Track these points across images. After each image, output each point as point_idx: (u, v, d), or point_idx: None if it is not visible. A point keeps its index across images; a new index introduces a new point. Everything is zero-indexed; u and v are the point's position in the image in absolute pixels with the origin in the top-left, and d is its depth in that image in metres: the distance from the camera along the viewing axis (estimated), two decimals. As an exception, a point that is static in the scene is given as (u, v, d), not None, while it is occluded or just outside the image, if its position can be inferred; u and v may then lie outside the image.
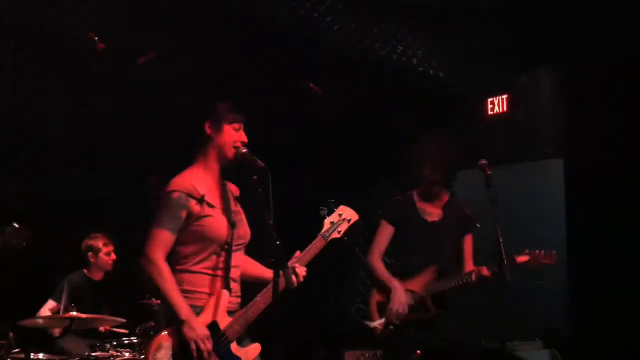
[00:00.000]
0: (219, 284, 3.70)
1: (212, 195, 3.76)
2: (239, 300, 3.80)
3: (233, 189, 3.96)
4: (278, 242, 3.54)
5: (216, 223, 3.70)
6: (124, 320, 5.55)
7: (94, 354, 5.39)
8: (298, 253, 3.86)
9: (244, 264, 3.88)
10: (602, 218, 6.12)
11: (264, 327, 3.86)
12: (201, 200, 3.67)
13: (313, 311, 7.29)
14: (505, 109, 7.13)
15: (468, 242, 5.08)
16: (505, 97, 7.13)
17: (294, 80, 7.23)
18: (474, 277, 4.78)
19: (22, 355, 5.23)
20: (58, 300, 5.93)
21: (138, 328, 5.79)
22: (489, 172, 4.53)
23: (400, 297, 4.85)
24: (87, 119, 6.51)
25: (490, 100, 7.19)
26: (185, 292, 3.62)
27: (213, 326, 3.61)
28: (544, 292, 6.21)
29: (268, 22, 6.54)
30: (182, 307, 3.54)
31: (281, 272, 3.56)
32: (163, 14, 6.19)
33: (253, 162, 3.77)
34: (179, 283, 3.62)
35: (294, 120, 7.47)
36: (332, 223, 3.90)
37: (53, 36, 6.05)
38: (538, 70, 6.94)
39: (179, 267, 3.68)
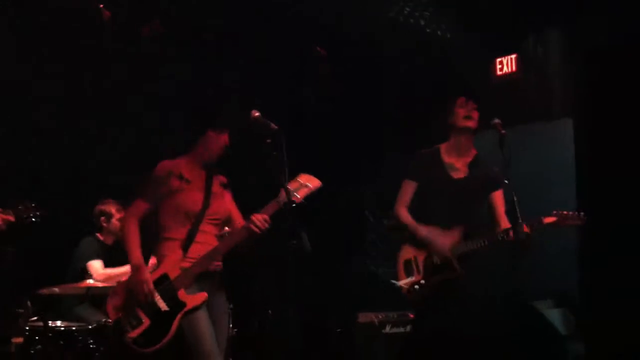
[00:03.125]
0: (179, 246, 4.21)
1: (192, 175, 4.30)
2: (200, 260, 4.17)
3: (220, 177, 4.46)
4: (294, 203, 3.59)
5: (188, 196, 4.24)
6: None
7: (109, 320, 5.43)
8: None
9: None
10: (612, 176, 6.10)
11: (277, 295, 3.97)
12: (180, 177, 4.24)
13: (326, 276, 7.32)
14: (514, 68, 7.09)
15: (498, 199, 4.89)
16: (514, 56, 7.08)
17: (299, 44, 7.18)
18: (511, 234, 4.54)
19: (40, 323, 5.29)
20: (96, 257, 6.01)
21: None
22: (503, 132, 4.51)
23: (438, 242, 4.77)
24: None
25: (499, 60, 7.14)
26: (160, 256, 4.24)
27: (163, 276, 4.15)
28: (554, 252, 6.20)
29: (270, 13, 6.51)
30: (135, 256, 4.18)
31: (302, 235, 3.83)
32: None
33: (265, 124, 3.95)
34: (159, 249, 4.25)
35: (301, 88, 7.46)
36: (287, 190, 4.04)
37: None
38: (547, 28, 6.88)
39: (160, 236, 4.28)
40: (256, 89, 6.72)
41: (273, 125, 3.92)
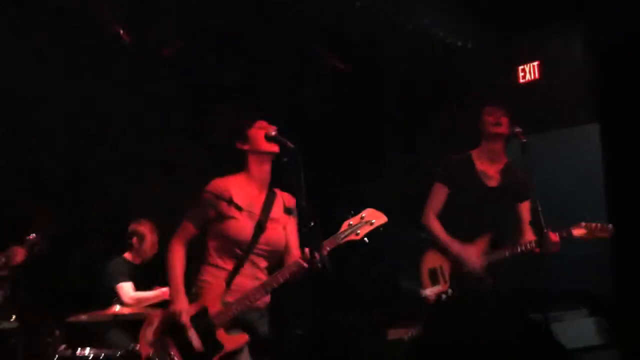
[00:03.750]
0: (223, 277, 3.93)
1: (245, 200, 3.98)
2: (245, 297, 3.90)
3: (286, 199, 4.11)
4: (312, 224, 3.55)
5: (238, 224, 3.93)
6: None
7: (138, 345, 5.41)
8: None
9: None
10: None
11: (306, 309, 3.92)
12: (229, 202, 3.93)
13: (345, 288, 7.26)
14: (536, 75, 7.00)
15: (525, 209, 4.80)
16: (536, 63, 6.99)
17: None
18: (538, 245, 4.46)
19: (69, 351, 5.29)
20: (127, 279, 5.97)
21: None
22: (524, 140, 4.44)
23: (470, 254, 4.69)
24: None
25: (521, 67, 7.06)
26: (201, 282, 3.97)
27: (202, 310, 3.87)
28: (587, 259, 6.08)
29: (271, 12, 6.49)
30: (175, 286, 3.92)
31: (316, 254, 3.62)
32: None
33: (282, 143, 3.89)
34: (201, 273, 3.99)
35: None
36: (350, 225, 3.87)
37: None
38: (569, 34, 6.79)
39: (204, 259, 4.02)
40: (256, 89, 6.73)
41: (289, 144, 3.83)
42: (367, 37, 7.05)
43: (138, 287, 6.03)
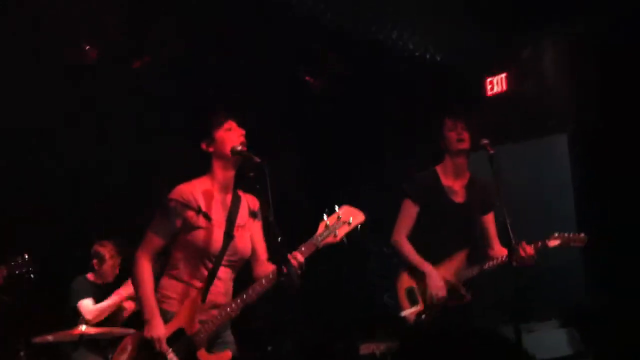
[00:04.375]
0: (193, 294, 3.72)
1: (213, 207, 3.77)
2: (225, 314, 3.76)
3: (250, 202, 3.96)
4: (280, 238, 3.49)
5: (207, 236, 3.72)
6: (133, 331, 5.48)
7: (107, 364, 5.33)
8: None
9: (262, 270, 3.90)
10: (609, 190, 6.01)
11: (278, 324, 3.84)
12: (197, 211, 3.72)
13: (327, 304, 7.22)
14: (504, 87, 7.03)
15: (490, 221, 4.88)
16: (504, 75, 7.02)
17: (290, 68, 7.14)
18: (515, 257, 4.46)
19: (34, 373, 5.20)
20: (89, 295, 5.86)
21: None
22: (492, 151, 4.44)
23: (436, 280, 4.64)
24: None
25: (489, 79, 7.08)
26: (161, 296, 3.73)
27: (179, 332, 3.65)
28: (558, 270, 6.10)
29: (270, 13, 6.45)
30: (149, 307, 3.64)
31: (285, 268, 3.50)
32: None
33: (248, 158, 3.76)
34: (160, 286, 3.75)
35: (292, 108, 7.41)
36: (326, 226, 3.72)
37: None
38: (537, 45, 6.82)
39: (166, 271, 3.78)
40: (256, 89, 6.67)
41: (255, 158, 3.68)
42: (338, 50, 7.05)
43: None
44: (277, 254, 3.56)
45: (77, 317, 5.70)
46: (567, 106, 6.57)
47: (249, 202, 3.94)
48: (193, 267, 3.74)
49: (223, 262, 3.76)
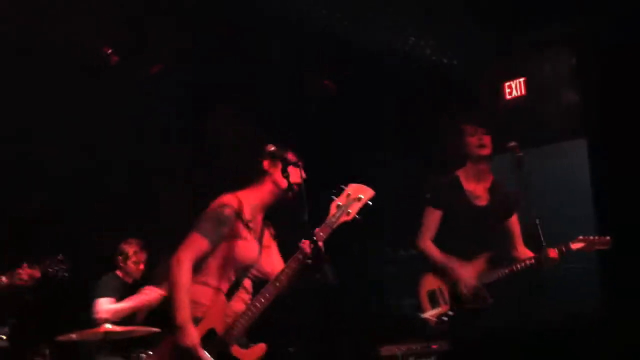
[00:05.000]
0: (221, 297, 3.73)
1: (254, 221, 3.83)
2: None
3: (270, 227, 4.02)
4: (315, 239, 3.53)
5: (248, 247, 3.78)
6: (158, 330, 5.52)
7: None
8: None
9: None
10: (628, 195, 6.03)
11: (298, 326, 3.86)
12: (246, 223, 3.76)
13: (346, 309, 7.24)
14: (523, 92, 7.05)
15: (515, 224, 4.94)
16: (522, 80, 7.05)
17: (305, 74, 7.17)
18: (538, 261, 4.56)
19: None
20: (109, 294, 5.89)
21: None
22: (520, 154, 4.48)
23: (466, 271, 4.69)
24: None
25: (507, 84, 7.11)
26: (192, 302, 3.64)
27: (210, 333, 3.64)
28: (574, 274, 6.11)
29: (270, 14, 6.47)
30: (183, 312, 3.56)
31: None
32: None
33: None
34: (193, 290, 3.67)
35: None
36: (338, 206, 3.71)
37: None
38: (555, 49, 6.85)
39: (197, 278, 3.71)
40: (256, 90, 6.70)
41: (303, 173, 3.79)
42: (354, 53, 7.08)
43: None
44: (312, 256, 3.58)
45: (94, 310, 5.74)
46: (585, 110, 6.61)
47: (269, 225, 4.02)
48: (223, 275, 3.75)
49: (250, 275, 3.82)
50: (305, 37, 6.77)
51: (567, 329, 5.95)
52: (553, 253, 4.55)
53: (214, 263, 3.75)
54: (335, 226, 3.69)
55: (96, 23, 6.07)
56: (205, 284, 3.74)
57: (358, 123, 7.45)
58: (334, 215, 3.70)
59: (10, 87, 5.83)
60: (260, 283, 3.84)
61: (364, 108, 7.45)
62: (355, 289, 7.42)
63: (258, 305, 3.70)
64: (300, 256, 3.64)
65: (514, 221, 4.95)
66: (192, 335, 3.54)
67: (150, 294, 5.91)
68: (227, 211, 3.74)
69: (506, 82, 7.09)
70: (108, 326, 5.35)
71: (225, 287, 3.75)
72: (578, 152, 6.58)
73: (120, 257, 6.15)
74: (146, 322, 5.83)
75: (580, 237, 4.73)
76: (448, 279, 4.78)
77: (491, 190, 4.93)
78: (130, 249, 6.16)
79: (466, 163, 4.96)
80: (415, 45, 7.21)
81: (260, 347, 3.75)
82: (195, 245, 3.69)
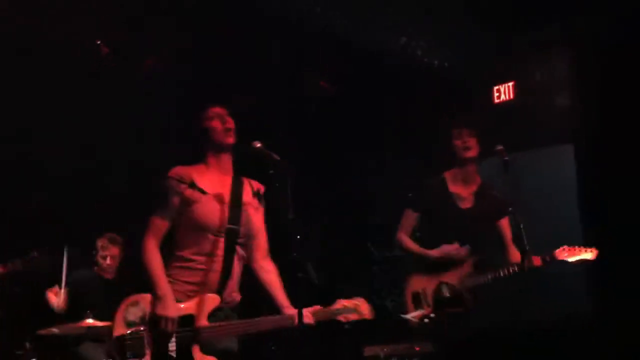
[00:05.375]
0: (212, 277, 3.75)
1: (209, 184, 3.83)
2: (235, 299, 3.84)
3: (254, 185, 4.01)
4: (299, 236, 3.51)
5: (205, 208, 3.76)
6: (141, 328, 5.48)
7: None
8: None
9: (269, 275, 3.98)
10: (615, 199, 6.05)
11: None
12: (191, 185, 3.78)
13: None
14: (511, 96, 7.06)
15: (505, 227, 4.94)
16: (511, 84, 7.06)
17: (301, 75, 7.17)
18: (520, 268, 4.54)
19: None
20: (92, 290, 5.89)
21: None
22: (506, 158, 4.48)
23: (449, 249, 4.77)
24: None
25: (496, 88, 7.12)
26: (175, 279, 3.73)
27: (187, 318, 3.66)
28: (561, 276, 6.12)
29: (270, 14, 6.46)
30: (162, 284, 3.66)
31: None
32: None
33: (267, 155, 3.81)
34: (172, 268, 3.75)
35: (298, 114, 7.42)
36: (343, 306, 3.94)
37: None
38: (544, 53, 6.87)
39: (175, 253, 3.79)
40: (256, 90, 6.70)
41: (275, 156, 3.75)
42: (346, 57, 7.08)
43: (108, 302, 5.89)
44: (296, 252, 3.57)
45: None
46: (573, 115, 6.63)
47: (252, 184, 4.01)
48: (201, 244, 3.76)
49: (240, 240, 3.81)
50: (305, 37, 6.78)
51: (558, 329, 5.97)
52: (537, 261, 4.57)
53: (184, 235, 3.79)
54: (330, 318, 3.91)
55: (96, 23, 6.06)
56: (184, 259, 3.76)
57: (355, 123, 7.45)
58: (336, 310, 3.94)
59: (10, 87, 5.80)
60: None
61: (361, 108, 7.47)
62: (342, 289, 7.43)
63: (233, 330, 3.78)
64: (285, 324, 3.80)
65: (505, 225, 4.97)
66: (170, 308, 3.62)
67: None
68: (168, 182, 3.80)
69: (496, 85, 7.10)
70: (90, 321, 5.31)
71: (215, 259, 3.74)
72: (565, 156, 6.59)
73: (93, 252, 6.12)
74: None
75: (565, 247, 4.73)
76: (432, 280, 4.77)
77: (477, 194, 4.94)
78: (100, 242, 6.11)
79: (454, 165, 4.98)
80: (414, 45, 7.22)
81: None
82: (152, 226, 3.79)
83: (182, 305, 3.69)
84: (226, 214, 3.80)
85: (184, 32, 6.34)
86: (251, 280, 3.97)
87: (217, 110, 3.95)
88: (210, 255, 3.76)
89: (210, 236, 3.76)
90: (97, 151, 6.61)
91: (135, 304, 3.71)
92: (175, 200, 3.77)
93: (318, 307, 3.86)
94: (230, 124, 3.92)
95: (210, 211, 3.78)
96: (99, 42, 6.30)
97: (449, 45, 7.30)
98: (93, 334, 5.46)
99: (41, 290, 5.78)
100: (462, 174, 4.93)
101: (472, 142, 4.84)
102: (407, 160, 7.29)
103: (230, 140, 3.89)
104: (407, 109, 7.37)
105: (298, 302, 3.66)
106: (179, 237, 3.81)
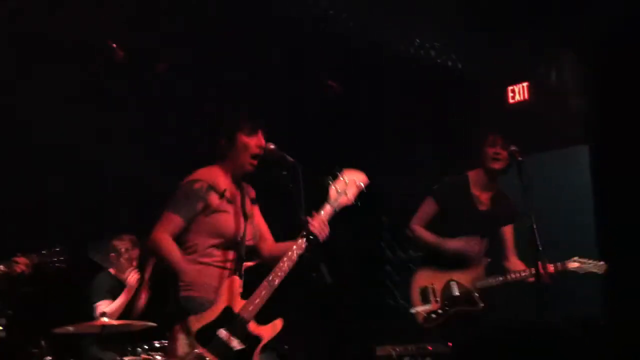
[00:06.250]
0: (226, 276, 3.73)
1: (232, 193, 3.85)
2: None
3: (250, 191, 4.04)
4: (312, 237, 3.53)
5: (231, 219, 3.78)
6: (154, 325, 5.53)
7: (125, 359, 5.36)
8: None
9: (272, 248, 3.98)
10: (629, 201, 6.01)
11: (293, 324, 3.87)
12: (222, 194, 3.77)
13: (341, 308, 7.25)
14: (526, 96, 7.04)
15: (509, 234, 5.01)
16: (525, 84, 7.04)
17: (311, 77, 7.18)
18: (538, 275, 4.52)
19: (54, 363, 5.23)
20: (105, 297, 5.88)
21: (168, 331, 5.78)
22: (520, 159, 4.48)
23: (466, 244, 4.78)
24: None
25: (510, 88, 7.11)
26: (185, 284, 3.69)
27: (226, 310, 3.63)
28: (575, 279, 6.10)
29: (281, 17, 6.48)
30: (185, 270, 3.64)
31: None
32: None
33: (281, 157, 3.85)
34: (186, 273, 3.69)
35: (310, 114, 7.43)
36: (337, 190, 3.84)
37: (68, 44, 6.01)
38: (558, 55, 6.85)
39: (187, 257, 3.73)
40: (257, 90, 6.69)
41: (289, 158, 3.78)
42: (360, 57, 7.08)
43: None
44: (308, 251, 3.63)
45: (92, 313, 5.75)
46: (588, 118, 6.60)
47: (248, 190, 4.02)
48: (217, 250, 3.76)
49: (246, 246, 3.83)
50: (314, 38, 6.79)
51: (566, 333, 5.94)
52: (550, 268, 4.58)
53: (203, 241, 3.76)
54: (338, 208, 3.81)
55: (97, 23, 6.06)
56: (209, 264, 3.75)
57: (359, 123, 7.45)
58: (335, 199, 3.82)
59: (12, 83, 5.83)
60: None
61: (371, 108, 7.48)
62: (354, 289, 7.44)
63: (275, 281, 3.71)
64: (305, 232, 3.68)
65: (508, 232, 5.03)
66: (189, 272, 3.63)
67: (132, 278, 5.90)
68: (197, 185, 3.77)
69: (509, 86, 7.08)
70: (105, 319, 5.34)
71: (229, 262, 3.76)
72: (580, 158, 6.56)
73: (113, 255, 6.13)
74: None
75: (576, 258, 4.74)
76: (442, 275, 4.78)
77: (494, 198, 5.00)
78: (123, 245, 6.13)
79: (478, 167, 5.01)
80: (419, 46, 7.22)
81: (278, 322, 3.77)
82: (168, 222, 3.73)
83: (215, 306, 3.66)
84: (241, 227, 3.81)
85: (185, 33, 6.34)
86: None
87: (258, 127, 3.92)
88: (225, 259, 3.78)
89: (228, 243, 3.78)
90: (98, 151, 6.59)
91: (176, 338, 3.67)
92: (200, 204, 3.74)
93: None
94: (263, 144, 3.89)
95: (236, 224, 3.79)
96: (114, 45, 6.30)
97: (462, 46, 7.29)
98: (106, 334, 5.49)
99: (57, 287, 5.84)
100: (484, 179, 4.98)
101: (504, 154, 4.85)
102: (419, 159, 7.30)
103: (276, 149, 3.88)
104: (412, 110, 7.35)
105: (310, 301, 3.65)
106: (192, 240, 3.77)
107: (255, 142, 3.86)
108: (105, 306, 5.82)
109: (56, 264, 4.95)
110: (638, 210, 5.94)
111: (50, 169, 6.22)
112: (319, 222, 3.74)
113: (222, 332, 3.59)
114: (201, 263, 3.75)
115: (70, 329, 5.34)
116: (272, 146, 3.90)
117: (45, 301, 5.87)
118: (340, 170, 3.85)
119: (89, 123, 6.34)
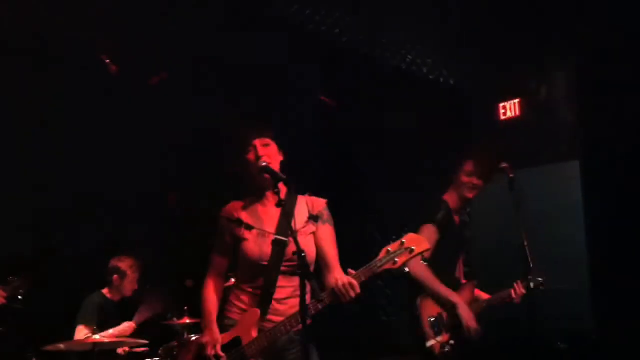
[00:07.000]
0: (256, 302, 3.84)
1: (255, 218, 3.92)
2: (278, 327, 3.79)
3: (311, 205, 3.98)
4: (303, 254, 3.51)
5: (250, 245, 3.86)
6: (146, 342, 5.51)
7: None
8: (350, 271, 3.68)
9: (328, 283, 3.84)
10: (620, 217, 6.03)
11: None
12: (238, 223, 3.90)
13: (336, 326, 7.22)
14: (517, 113, 7.07)
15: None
16: (517, 101, 7.07)
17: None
18: (515, 296, 4.64)
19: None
20: (88, 323, 5.83)
21: (160, 348, 5.76)
22: (511, 175, 4.49)
23: (468, 312, 4.57)
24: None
25: (502, 105, 7.14)
26: (229, 305, 3.95)
27: (235, 340, 3.79)
28: (565, 294, 6.11)
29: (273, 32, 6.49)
30: (207, 317, 3.90)
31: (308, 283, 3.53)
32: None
33: (273, 174, 3.81)
34: (230, 298, 3.96)
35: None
36: (388, 252, 3.59)
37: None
38: (550, 71, 6.88)
39: (236, 284, 4.00)
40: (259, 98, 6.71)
41: (281, 175, 3.76)
42: (352, 72, 7.11)
43: (112, 325, 5.90)
44: (299, 267, 3.54)
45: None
46: (578, 134, 6.63)
47: (310, 205, 3.98)
48: (251, 276, 3.88)
49: (282, 269, 3.82)
50: (305, 44, 6.78)
51: (558, 348, 5.96)
52: (520, 290, 4.66)
53: (240, 269, 3.96)
54: (378, 271, 3.60)
55: (96, 31, 6.06)
56: (242, 290, 3.92)
57: (349, 138, 7.46)
58: (380, 260, 3.61)
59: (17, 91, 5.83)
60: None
61: (357, 124, 7.48)
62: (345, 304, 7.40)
63: (283, 329, 3.74)
64: (329, 301, 3.65)
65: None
66: (214, 333, 3.83)
67: (126, 330, 5.90)
68: (220, 222, 4.00)
69: (501, 103, 7.11)
70: (96, 337, 5.32)
71: (258, 289, 3.84)
72: (571, 173, 6.57)
73: (116, 276, 6.10)
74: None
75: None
76: (443, 307, 4.72)
77: (462, 223, 5.02)
78: (126, 266, 6.11)
79: (452, 189, 4.93)
80: (420, 63, 7.25)
81: None
82: (211, 263, 4.04)
83: (230, 332, 3.85)
84: (269, 248, 3.83)
85: (185, 39, 6.34)
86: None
87: (256, 141, 3.96)
88: (257, 284, 3.87)
89: (258, 268, 3.85)
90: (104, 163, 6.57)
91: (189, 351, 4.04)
92: (228, 238, 3.96)
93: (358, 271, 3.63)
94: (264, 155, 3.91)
95: (256, 247, 3.87)
96: (107, 60, 6.30)
97: (454, 62, 7.32)
98: (100, 351, 5.46)
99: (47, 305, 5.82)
100: (459, 204, 4.91)
101: (480, 184, 4.81)
102: (410, 175, 7.30)
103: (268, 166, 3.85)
104: (412, 126, 7.36)
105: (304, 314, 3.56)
106: (239, 271, 3.98)
107: (257, 151, 3.90)
108: (83, 333, 5.73)
109: (19, 296, 4.87)
110: (628, 226, 5.95)
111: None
112: (347, 284, 3.58)
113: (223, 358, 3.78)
114: (239, 288, 3.95)
115: (61, 346, 5.32)
116: (263, 163, 3.84)
117: (35, 318, 5.83)
118: (405, 233, 3.66)
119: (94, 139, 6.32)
